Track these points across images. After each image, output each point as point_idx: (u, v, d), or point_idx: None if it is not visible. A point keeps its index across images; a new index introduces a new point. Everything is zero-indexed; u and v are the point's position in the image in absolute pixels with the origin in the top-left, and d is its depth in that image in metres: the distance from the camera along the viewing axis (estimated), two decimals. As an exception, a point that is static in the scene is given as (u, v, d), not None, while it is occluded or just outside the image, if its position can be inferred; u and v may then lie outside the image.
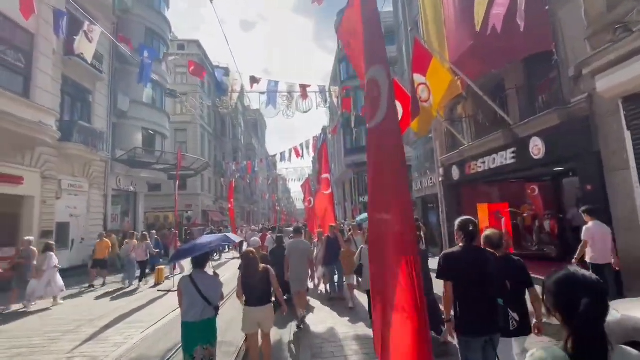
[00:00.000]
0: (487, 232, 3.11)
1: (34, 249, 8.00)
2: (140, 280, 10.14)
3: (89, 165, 13.55)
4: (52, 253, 7.97)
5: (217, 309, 3.36)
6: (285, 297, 4.35)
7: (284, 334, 5.34)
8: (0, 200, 10.19)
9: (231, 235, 4.42)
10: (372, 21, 2.26)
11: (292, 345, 4.91)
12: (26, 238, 8.25)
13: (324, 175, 9.44)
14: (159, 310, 7.12)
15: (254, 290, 3.69)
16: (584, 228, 5.14)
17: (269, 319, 3.78)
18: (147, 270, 10.47)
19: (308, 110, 11.92)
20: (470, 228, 2.74)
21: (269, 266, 3.91)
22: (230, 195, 16.96)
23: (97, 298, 8.74)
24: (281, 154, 20.57)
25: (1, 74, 9.13)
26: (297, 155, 19.38)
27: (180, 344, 3.46)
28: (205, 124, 30.39)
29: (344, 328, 5.47)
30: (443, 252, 2.85)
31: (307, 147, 19.53)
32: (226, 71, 14.03)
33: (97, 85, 14.24)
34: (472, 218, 2.85)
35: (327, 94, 13.14)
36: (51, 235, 11.12)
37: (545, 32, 6.50)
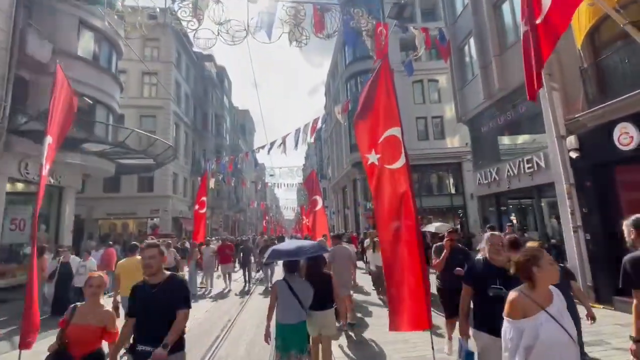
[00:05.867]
0: None
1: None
2: None
3: (-48, 132, 7.96)
4: None
5: (307, 312, 3.51)
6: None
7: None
8: None
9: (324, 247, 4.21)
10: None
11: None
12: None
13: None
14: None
15: (316, 294, 3.59)
16: None
17: (331, 323, 3.77)
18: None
19: (332, 34, 6.84)
20: None
21: (331, 272, 4.14)
22: (201, 192, 11.49)
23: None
24: (271, 143, 15.29)
25: None
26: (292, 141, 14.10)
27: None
28: (181, 112, 24.89)
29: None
30: (630, 256, 2.41)
31: (306, 133, 14.30)
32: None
33: (-18, 8, 8.79)
34: None
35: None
36: None
37: None
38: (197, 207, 11.27)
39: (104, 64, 13.22)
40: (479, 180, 10.19)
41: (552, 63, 6.94)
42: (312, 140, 46.54)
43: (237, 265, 12.56)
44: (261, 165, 68.24)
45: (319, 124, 13.93)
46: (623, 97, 5.36)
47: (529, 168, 7.89)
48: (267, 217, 41.32)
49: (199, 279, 10.19)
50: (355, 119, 5.17)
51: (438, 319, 5.35)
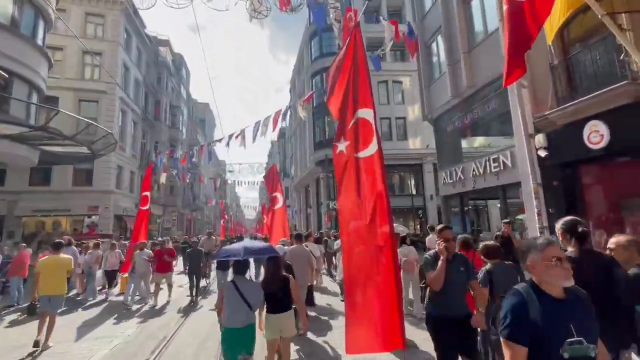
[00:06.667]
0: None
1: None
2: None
3: None
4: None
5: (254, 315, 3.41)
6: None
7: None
8: None
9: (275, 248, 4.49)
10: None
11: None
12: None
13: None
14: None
15: (273, 297, 3.57)
16: None
17: (289, 325, 3.65)
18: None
19: (297, 8, 6.05)
20: (580, 229, 2.48)
21: (290, 275, 3.84)
22: (144, 186, 10.08)
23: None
24: (229, 136, 14.05)
25: None
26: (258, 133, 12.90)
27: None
28: (129, 99, 22.52)
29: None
30: None
31: (266, 126, 13.24)
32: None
33: None
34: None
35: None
36: None
37: None
38: (142, 204, 9.85)
39: (25, 32, 11.16)
40: (444, 179, 10.00)
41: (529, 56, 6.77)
42: (275, 136, 45.14)
43: (184, 271, 10.97)
44: (221, 162, 65.29)
45: (281, 117, 13.02)
46: (594, 94, 5.22)
47: (495, 167, 7.73)
48: (225, 216, 39.27)
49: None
50: (328, 98, 4.46)
51: (411, 333, 4.84)
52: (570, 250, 2.47)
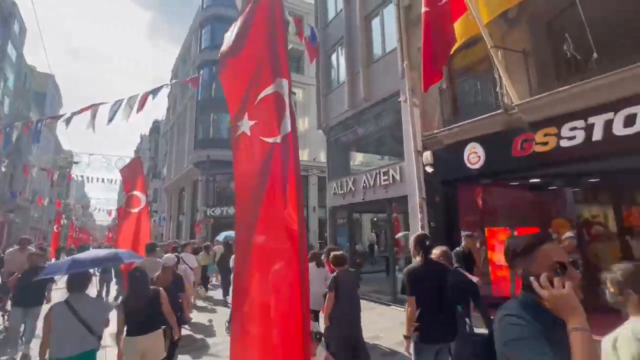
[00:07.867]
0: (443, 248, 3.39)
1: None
2: None
3: None
4: None
5: (100, 338, 2.93)
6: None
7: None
8: None
9: (125, 254, 3.88)
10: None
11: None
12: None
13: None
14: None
15: (138, 315, 3.07)
16: None
17: (156, 347, 3.11)
18: None
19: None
20: (427, 242, 3.02)
21: (160, 288, 3.37)
22: None
23: None
24: (73, 113, 10.41)
25: None
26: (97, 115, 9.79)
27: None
28: None
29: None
30: (406, 269, 3.03)
31: (131, 107, 10.32)
32: None
33: None
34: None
35: None
36: None
37: None
38: None
39: None
40: (334, 190, 9.87)
41: (416, 81, 7.19)
42: (147, 130, 38.45)
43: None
44: (66, 152, 51.58)
45: (151, 97, 10.46)
46: (474, 119, 5.77)
47: (384, 180, 7.93)
48: (63, 220, 30.49)
49: None
50: (223, 67, 3.24)
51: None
52: (418, 259, 3.04)
